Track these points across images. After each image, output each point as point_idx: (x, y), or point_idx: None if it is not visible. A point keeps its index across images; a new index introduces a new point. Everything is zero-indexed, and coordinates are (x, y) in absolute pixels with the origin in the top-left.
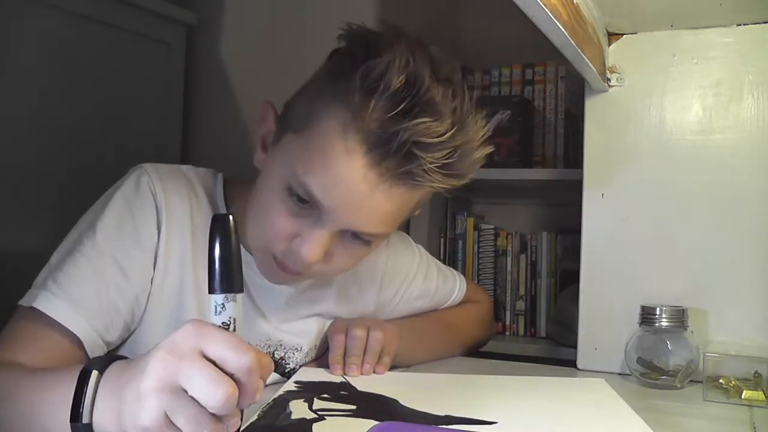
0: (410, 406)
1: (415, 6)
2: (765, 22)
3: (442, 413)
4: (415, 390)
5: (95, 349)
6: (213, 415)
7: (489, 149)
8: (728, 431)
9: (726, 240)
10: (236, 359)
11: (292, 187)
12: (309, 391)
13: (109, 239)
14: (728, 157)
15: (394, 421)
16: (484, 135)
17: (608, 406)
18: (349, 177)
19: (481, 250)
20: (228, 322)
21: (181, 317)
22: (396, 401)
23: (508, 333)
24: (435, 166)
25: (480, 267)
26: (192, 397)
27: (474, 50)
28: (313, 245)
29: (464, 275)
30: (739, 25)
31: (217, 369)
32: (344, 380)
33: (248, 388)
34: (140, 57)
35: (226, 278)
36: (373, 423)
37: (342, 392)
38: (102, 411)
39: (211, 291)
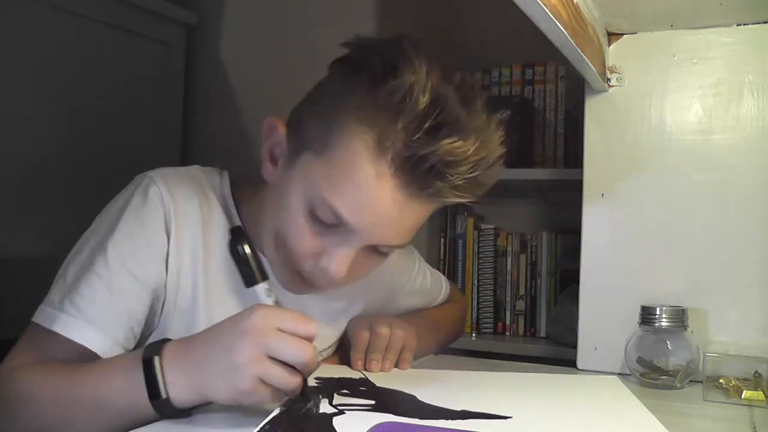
0: (427, 402)
1: (416, 6)
2: (765, 22)
3: (458, 408)
4: (431, 386)
5: None
6: (294, 370)
7: (503, 151)
8: (728, 431)
9: (726, 240)
10: (305, 329)
11: (315, 208)
12: (329, 386)
13: (121, 255)
14: (728, 157)
15: (393, 422)
16: (500, 138)
17: (622, 403)
18: (379, 200)
19: (481, 250)
20: (278, 301)
21: (194, 318)
22: (414, 396)
23: (508, 333)
24: (462, 181)
25: (480, 267)
26: (279, 361)
27: (474, 50)
28: (341, 264)
29: (464, 275)
30: (739, 25)
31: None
32: (363, 376)
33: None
34: (140, 57)
35: (261, 270)
36: (391, 417)
37: (361, 388)
38: (174, 385)
39: (254, 284)
